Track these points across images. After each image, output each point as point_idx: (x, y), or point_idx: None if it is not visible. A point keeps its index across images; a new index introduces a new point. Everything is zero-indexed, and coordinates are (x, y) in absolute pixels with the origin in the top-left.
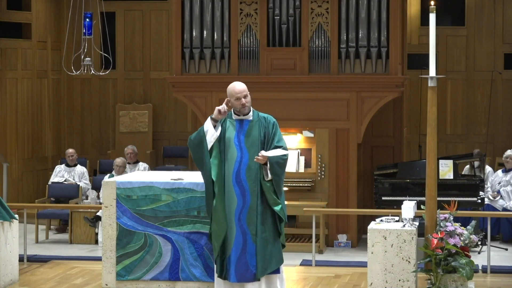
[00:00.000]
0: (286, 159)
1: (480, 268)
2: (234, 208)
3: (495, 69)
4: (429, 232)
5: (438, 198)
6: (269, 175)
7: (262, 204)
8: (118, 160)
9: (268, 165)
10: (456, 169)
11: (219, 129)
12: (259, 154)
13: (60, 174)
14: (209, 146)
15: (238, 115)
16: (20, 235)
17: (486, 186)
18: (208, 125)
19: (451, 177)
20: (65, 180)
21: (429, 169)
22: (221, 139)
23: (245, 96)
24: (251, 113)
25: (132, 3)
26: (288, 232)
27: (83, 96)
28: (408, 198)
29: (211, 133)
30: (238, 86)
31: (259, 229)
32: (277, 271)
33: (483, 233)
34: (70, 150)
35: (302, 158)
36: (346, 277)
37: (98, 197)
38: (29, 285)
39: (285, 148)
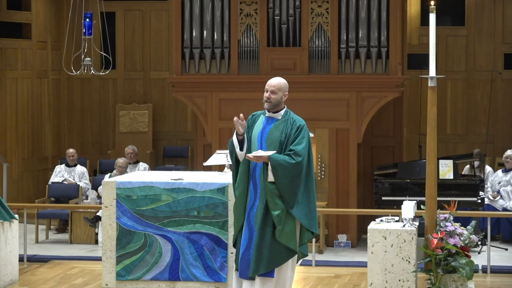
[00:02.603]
0: (294, 164)
1: (480, 268)
2: (247, 203)
3: (495, 69)
4: (429, 232)
5: (438, 198)
6: (270, 177)
7: (267, 204)
8: (121, 161)
9: (270, 166)
10: (456, 169)
11: (245, 146)
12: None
13: (60, 174)
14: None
15: (269, 112)
16: (20, 235)
17: (486, 186)
18: (235, 143)
19: (451, 177)
20: (64, 180)
21: (429, 169)
22: (248, 132)
23: (272, 92)
24: (281, 112)
25: (132, 3)
26: None
27: (83, 96)
28: (408, 198)
29: (237, 152)
30: (271, 80)
31: (259, 228)
32: (270, 274)
33: (483, 233)
34: (71, 150)
35: None
36: (346, 277)
37: (98, 196)
38: (29, 285)
39: (297, 153)
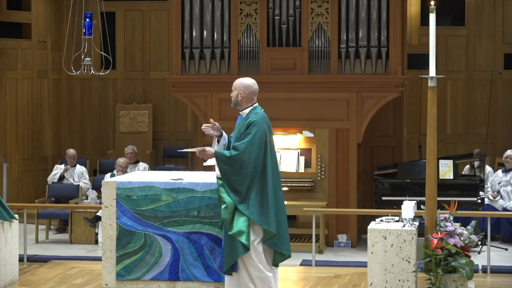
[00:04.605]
0: (229, 157)
1: (480, 268)
2: None
3: (495, 69)
4: (429, 232)
5: (438, 198)
6: (217, 172)
7: None
8: (121, 161)
9: (215, 160)
10: (456, 169)
11: (222, 141)
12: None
13: (58, 168)
14: None
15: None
16: (20, 235)
17: (486, 186)
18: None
19: (451, 177)
20: (63, 175)
21: (429, 169)
22: None
23: (231, 90)
24: (246, 111)
25: (132, 3)
26: (288, 232)
27: (83, 96)
28: (408, 198)
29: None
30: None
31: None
32: (233, 269)
33: (483, 233)
34: (72, 152)
35: (302, 158)
36: (346, 277)
37: (98, 196)
38: (29, 285)
39: (235, 147)
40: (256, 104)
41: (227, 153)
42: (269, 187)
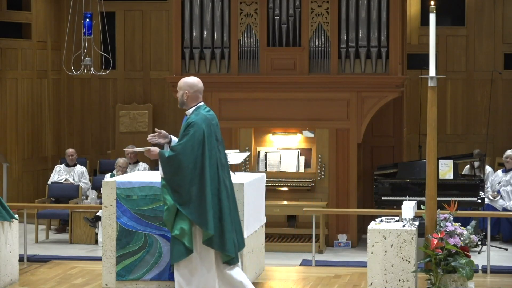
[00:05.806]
0: (166, 158)
1: (480, 268)
2: None
3: (495, 69)
4: (429, 232)
5: (438, 198)
6: (160, 171)
7: None
8: (121, 161)
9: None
10: (456, 169)
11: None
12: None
13: (60, 173)
14: None
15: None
16: (20, 235)
17: (486, 186)
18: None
19: (451, 177)
20: (65, 180)
21: (429, 169)
22: None
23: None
24: (190, 111)
25: (132, 3)
26: (288, 232)
27: (83, 96)
28: (408, 198)
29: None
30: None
31: None
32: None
33: (483, 233)
34: (70, 150)
35: (302, 158)
36: (346, 277)
37: (98, 196)
38: (29, 285)
39: (172, 148)
40: (201, 103)
41: (166, 153)
42: (207, 188)
